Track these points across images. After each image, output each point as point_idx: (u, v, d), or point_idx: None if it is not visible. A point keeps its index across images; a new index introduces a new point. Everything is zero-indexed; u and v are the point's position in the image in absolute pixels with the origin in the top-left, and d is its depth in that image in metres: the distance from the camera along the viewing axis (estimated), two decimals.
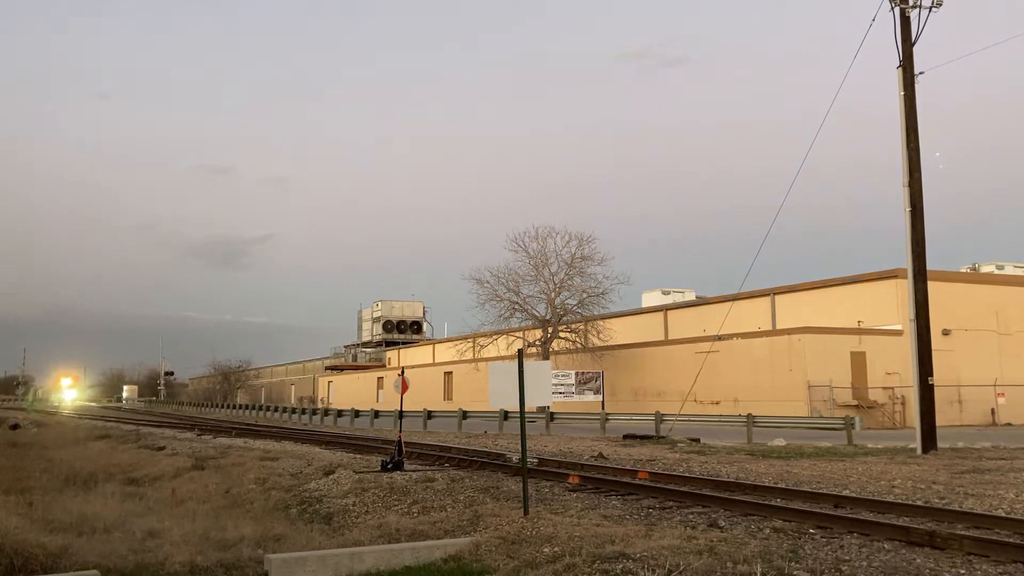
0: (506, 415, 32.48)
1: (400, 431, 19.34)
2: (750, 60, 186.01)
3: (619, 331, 51.41)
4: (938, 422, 21.28)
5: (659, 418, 28.80)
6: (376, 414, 43.34)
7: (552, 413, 33.34)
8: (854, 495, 12.57)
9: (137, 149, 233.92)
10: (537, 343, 48.53)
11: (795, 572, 7.55)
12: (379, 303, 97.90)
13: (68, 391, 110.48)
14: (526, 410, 11.37)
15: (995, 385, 40.33)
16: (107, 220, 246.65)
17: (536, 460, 17.90)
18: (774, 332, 43.12)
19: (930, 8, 21.51)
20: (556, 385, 38.02)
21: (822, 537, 9.37)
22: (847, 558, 8.17)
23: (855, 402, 37.71)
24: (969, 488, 13.22)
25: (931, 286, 21.69)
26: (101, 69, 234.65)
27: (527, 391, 11.00)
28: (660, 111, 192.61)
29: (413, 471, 16.59)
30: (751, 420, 26.04)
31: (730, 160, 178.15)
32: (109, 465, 21.56)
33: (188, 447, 26.23)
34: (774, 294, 47.21)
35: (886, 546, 8.77)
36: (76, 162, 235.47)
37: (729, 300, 41.69)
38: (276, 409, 61.59)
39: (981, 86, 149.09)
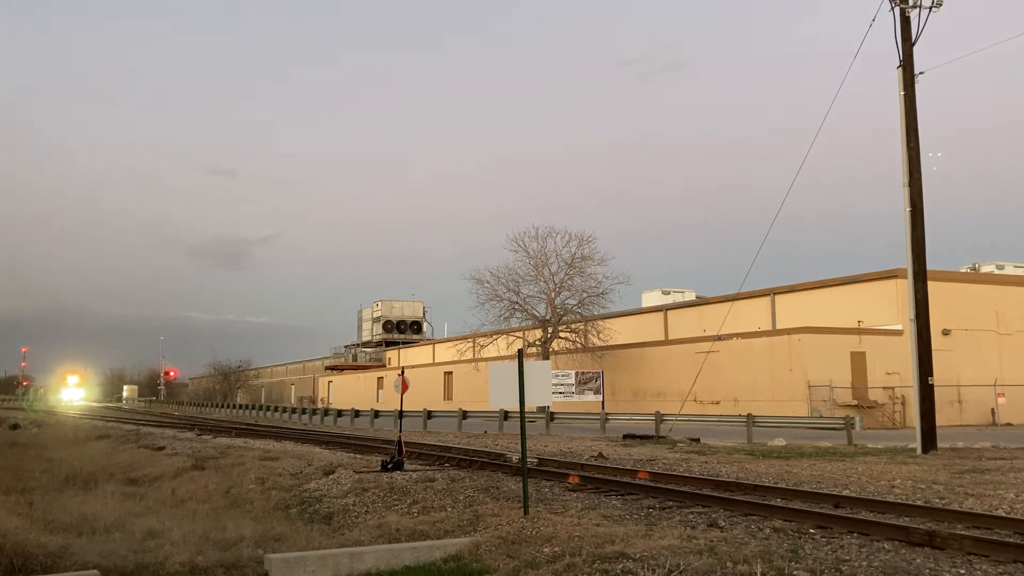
0: (506, 415, 32.47)
1: (400, 431, 19.34)
2: (750, 62, 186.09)
3: (619, 331, 51.41)
4: (938, 422, 21.28)
5: (659, 418, 28.79)
6: (376, 414, 43.34)
7: (552, 413, 33.35)
8: (854, 495, 12.57)
9: (140, 151, 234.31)
10: (537, 343, 48.51)
11: (795, 572, 7.55)
12: (379, 303, 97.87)
13: (75, 390, 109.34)
14: (526, 410, 11.37)
15: (995, 385, 40.32)
16: (110, 221, 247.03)
17: (536, 460, 17.90)
18: (774, 332, 43.11)
19: (930, 8, 21.51)
20: (556, 385, 38.01)
21: (822, 537, 9.37)
22: (847, 558, 8.16)
23: (855, 402, 37.71)
24: (969, 488, 13.21)
25: (931, 286, 21.69)
26: (106, 72, 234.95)
27: (527, 391, 10.99)
28: (660, 113, 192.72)
29: (413, 471, 16.59)
30: (751, 420, 26.04)
31: (730, 160, 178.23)
32: (109, 465, 21.56)
33: (188, 447, 26.23)
34: (774, 294, 47.20)
35: (886, 546, 8.77)
36: (79, 163, 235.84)
37: (729, 300, 41.70)
38: (276, 409, 61.58)
39: (981, 86, 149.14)
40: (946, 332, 39.09)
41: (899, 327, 37.19)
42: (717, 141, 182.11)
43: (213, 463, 20.41)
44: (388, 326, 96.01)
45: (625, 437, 26.66)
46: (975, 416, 39.33)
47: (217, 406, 76.79)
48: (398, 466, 16.80)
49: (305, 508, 13.79)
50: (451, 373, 64.98)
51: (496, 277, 48.89)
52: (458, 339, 60.77)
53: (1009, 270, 48.88)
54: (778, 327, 44.74)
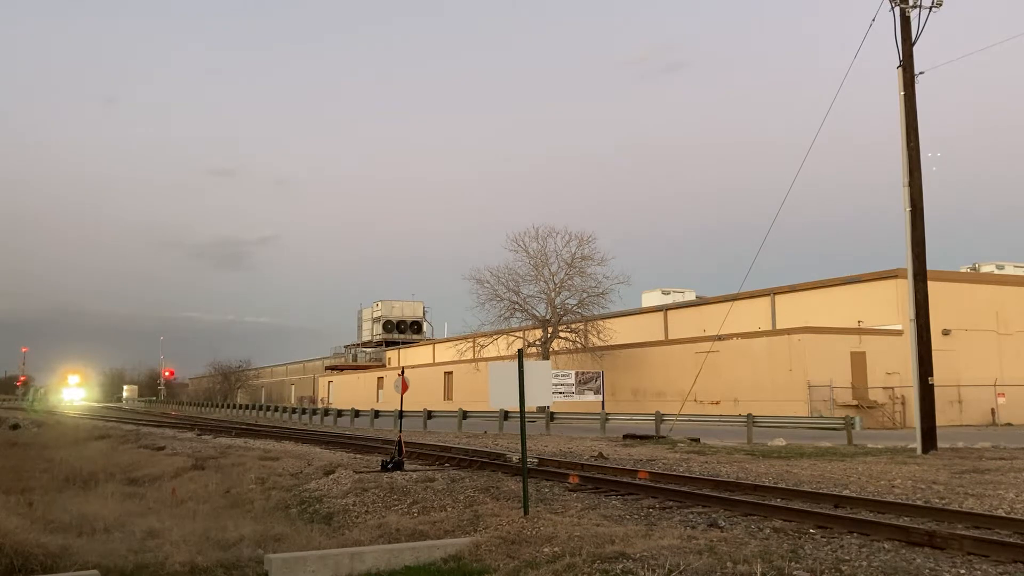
0: (506, 415, 32.47)
1: (400, 431, 19.35)
2: (750, 62, 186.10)
3: (619, 331, 51.39)
4: (938, 422, 21.27)
5: (659, 418, 28.79)
6: (376, 414, 43.34)
7: (552, 413, 33.34)
8: (854, 495, 12.57)
9: (141, 151, 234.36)
10: (537, 343, 48.50)
11: (795, 572, 7.55)
12: (379, 303, 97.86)
13: (75, 389, 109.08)
14: (526, 410, 11.36)
15: (995, 385, 40.32)
16: (110, 221, 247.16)
17: (536, 460, 17.90)
18: (774, 332, 43.10)
19: (930, 8, 21.51)
20: (556, 385, 37.96)
21: (822, 537, 9.37)
22: (847, 558, 8.16)
23: (855, 402, 37.70)
24: (969, 488, 13.21)
25: (931, 286, 21.68)
26: (106, 72, 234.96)
27: (527, 391, 10.98)
28: (661, 114, 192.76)
29: (413, 471, 16.59)
30: (751, 420, 26.03)
31: (730, 160, 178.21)
32: (109, 465, 21.53)
33: (188, 447, 26.23)
34: (774, 294, 47.19)
35: (886, 546, 8.77)
36: (80, 163, 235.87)
37: (729, 300, 41.68)
38: (276, 409, 61.58)
39: (981, 86, 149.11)
40: (946, 332, 39.08)
41: (899, 327, 37.18)
42: (717, 141, 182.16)
43: (213, 463, 20.41)
44: (388, 326, 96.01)
45: (625, 437, 26.66)
46: (975, 416, 39.32)
47: (217, 406, 76.76)
48: (398, 466, 16.80)
49: (305, 508, 13.78)
50: (451, 373, 64.97)
51: (496, 277, 48.92)
52: (458, 339, 60.76)
53: (1009, 270, 48.86)
54: (778, 327, 44.73)
